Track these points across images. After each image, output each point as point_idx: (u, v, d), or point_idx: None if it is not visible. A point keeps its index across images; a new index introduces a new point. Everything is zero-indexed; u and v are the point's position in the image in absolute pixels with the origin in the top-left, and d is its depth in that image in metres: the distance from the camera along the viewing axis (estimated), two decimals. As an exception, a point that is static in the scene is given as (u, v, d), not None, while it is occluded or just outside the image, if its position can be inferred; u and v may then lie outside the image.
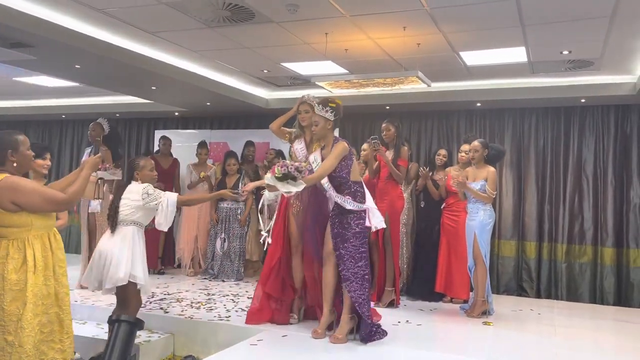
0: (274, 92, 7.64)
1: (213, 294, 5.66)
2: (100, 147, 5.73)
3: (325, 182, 3.90)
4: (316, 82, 5.46)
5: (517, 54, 5.43)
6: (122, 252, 3.55)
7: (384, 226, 4.06)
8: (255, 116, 8.33)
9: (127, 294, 3.62)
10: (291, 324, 4.38)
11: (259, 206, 4.06)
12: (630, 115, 6.67)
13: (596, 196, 6.73)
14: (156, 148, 8.47)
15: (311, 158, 4.08)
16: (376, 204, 5.30)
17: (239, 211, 6.74)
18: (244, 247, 6.77)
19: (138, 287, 3.62)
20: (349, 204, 3.85)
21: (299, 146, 4.44)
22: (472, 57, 5.61)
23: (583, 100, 6.57)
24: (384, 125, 5.34)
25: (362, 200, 3.91)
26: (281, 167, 3.56)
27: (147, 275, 3.67)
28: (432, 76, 5.80)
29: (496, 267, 6.98)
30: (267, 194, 3.72)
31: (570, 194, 6.81)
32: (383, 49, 5.37)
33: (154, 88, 6.81)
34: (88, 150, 6.02)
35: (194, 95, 7.13)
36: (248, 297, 5.56)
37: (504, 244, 7.03)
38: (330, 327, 4.10)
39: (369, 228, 3.92)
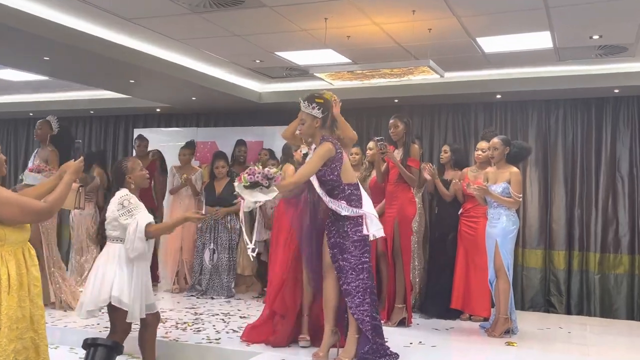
0: (267, 84, 7.65)
1: (201, 314, 5.66)
2: (46, 148, 5.67)
3: (317, 186, 3.90)
4: (315, 74, 5.47)
5: (541, 40, 5.43)
6: (106, 271, 3.55)
7: (383, 234, 4.05)
8: (247, 112, 8.33)
9: (112, 317, 3.64)
10: (303, 347, 4.38)
11: (241, 216, 4.00)
12: (669, 106, 6.68)
13: (633, 198, 6.73)
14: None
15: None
16: (385, 209, 5.34)
17: (228, 218, 6.74)
18: (234, 260, 6.77)
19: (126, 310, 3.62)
20: (344, 210, 3.85)
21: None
22: (490, 44, 5.62)
23: (616, 91, 6.57)
24: (391, 121, 5.36)
25: (358, 204, 3.91)
26: (248, 175, 3.57)
27: (140, 298, 3.61)
28: (445, 65, 5.80)
29: (520, 279, 6.98)
30: (246, 202, 3.68)
31: (603, 197, 6.81)
32: (390, 36, 5.38)
33: (133, 82, 6.82)
34: (35, 152, 5.86)
35: (177, 89, 7.13)
36: (240, 317, 5.57)
37: (529, 254, 7.03)
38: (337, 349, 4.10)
39: (367, 236, 3.90)
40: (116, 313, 3.58)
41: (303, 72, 6.71)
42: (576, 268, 6.85)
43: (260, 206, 6.90)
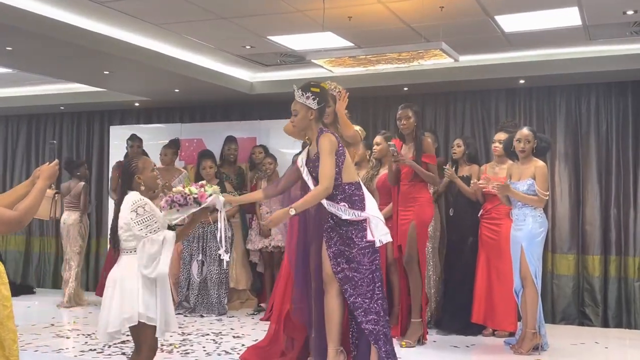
0: (260, 73, 7.65)
1: (189, 334, 5.69)
2: None
3: (313, 186, 3.89)
4: (312, 60, 5.48)
5: (568, 17, 5.43)
6: (125, 287, 3.47)
7: (390, 239, 4.03)
8: (237, 105, 8.33)
9: (137, 336, 3.59)
10: None
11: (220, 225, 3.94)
12: None
13: (676, 195, 6.73)
14: (116, 149, 8.53)
15: (299, 161, 4.09)
16: (398, 211, 5.33)
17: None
18: (226, 272, 6.79)
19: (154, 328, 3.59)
20: (345, 213, 3.84)
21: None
22: (510, 22, 5.62)
23: (656, 73, 6.58)
24: (400, 112, 5.35)
25: (361, 206, 3.89)
26: (166, 204, 3.57)
27: (168, 312, 3.60)
28: (460, 48, 5.80)
29: (550, 288, 6.98)
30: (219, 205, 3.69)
31: (642, 193, 6.82)
32: (397, 15, 5.38)
33: (107, 73, 6.84)
34: None
35: (158, 80, 7.12)
36: (234, 336, 5.60)
37: (560, 260, 7.03)
38: None
39: (373, 242, 3.88)
40: (142, 331, 3.54)
41: (299, 59, 6.72)
42: (613, 275, 6.84)
43: (255, 212, 7.04)
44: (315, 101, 3.92)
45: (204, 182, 3.77)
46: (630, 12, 5.31)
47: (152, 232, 3.45)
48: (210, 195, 3.63)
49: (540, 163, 5.14)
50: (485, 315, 5.86)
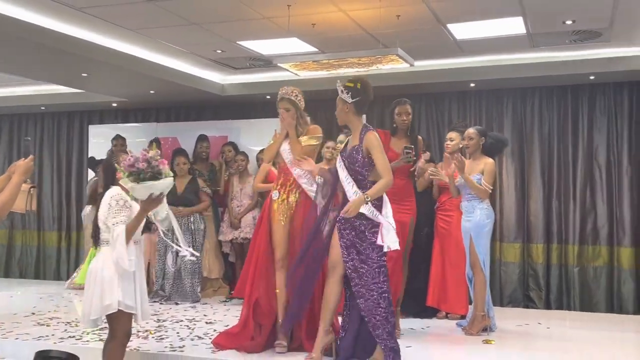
0: (230, 75, 7.62)
1: (164, 320, 5.63)
2: None
3: (344, 175, 3.96)
4: (279, 64, 5.46)
5: (514, 25, 5.51)
6: (104, 277, 3.45)
7: (398, 247, 3.97)
8: (209, 105, 8.29)
9: (113, 322, 3.55)
10: (279, 352, 4.35)
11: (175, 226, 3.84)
12: (645, 92, 6.83)
13: (610, 188, 6.87)
14: (95, 147, 8.40)
15: (296, 171, 4.26)
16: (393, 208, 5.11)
17: (192, 219, 6.71)
18: (200, 263, 6.74)
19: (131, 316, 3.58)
20: (365, 208, 3.85)
21: (285, 146, 4.52)
22: (462, 30, 5.67)
23: (592, 77, 6.70)
24: (400, 107, 4.97)
25: (379, 205, 3.92)
26: (127, 166, 3.37)
27: (142, 300, 3.61)
28: (415, 54, 5.84)
29: (498, 275, 7.08)
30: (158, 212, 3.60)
31: (581, 187, 6.95)
32: (357, 23, 5.39)
33: (86, 75, 6.72)
34: None
35: (134, 82, 7.06)
36: (206, 322, 5.56)
37: (507, 248, 7.13)
38: (329, 353, 4.11)
39: (381, 247, 3.88)
40: (119, 318, 3.51)
41: (267, 62, 6.69)
42: (555, 262, 6.98)
43: (227, 205, 7.00)
44: (349, 95, 3.97)
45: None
46: (569, 22, 5.40)
47: (115, 224, 3.42)
48: (165, 177, 3.47)
49: (490, 160, 5.18)
50: (439, 299, 5.91)
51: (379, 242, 3.87)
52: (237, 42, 6.05)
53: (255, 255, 4.58)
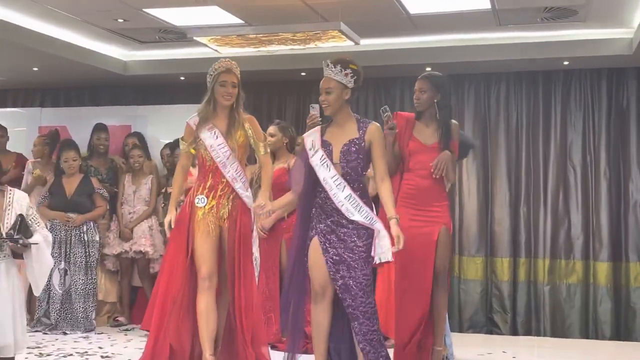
0: (135, 51, 7.52)
1: (48, 354, 5.51)
2: None
3: (332, 176, 3.96)
4: (195, 38, 5.37)
5: (477, 0, 5.58)
6: None
7: (391, 259, 3.96)
8: (109, 87, 8.15)
9: None
10: None
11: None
12: (626, 81, 7.07)
13: (586, 192, 7.09)
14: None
15: (307, 143, 4.06)
16: (410, 213, 4.60)
17: (84, 228, 6.53)
18: (94, 283, 6.59)
19: None
20: (360, 212, 3.91)
21: (213, 141, 4.38)
22: (416, 3, 5.72)
23: (566, 63, 6.90)
24: (417, 82, 4.69)
25: (368, 201, 4.01)
26: None
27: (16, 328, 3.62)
28: (361, 30, 5.86)
29: (457, 295, 7.18)
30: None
31: (553, 191, 7.14)
32: (291, -10, 5.37)
33: (-51, 46, 6.49)
34: None
35: (13, 56, 6.94)
36: (102, 356, 5.47)
37: (467, 263, 7.25)
38: None
39: (372, 259, 3.93)
40: None
41: (181, 36, 6.61)
42: (522, 278, 7.14)
43: (116, 211, 6.84)
44: (353, 79, 4.01)
45: None
46: (541, -3, 5.54)
47: None
48: None
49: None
50: (386, 325, 5.91)
51: (371, 252, 3.92)
52: (144, 9, 5.95)
53: (166, 276, 4.43)
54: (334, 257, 3.94)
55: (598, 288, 6.94)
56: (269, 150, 4.65)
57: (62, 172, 6.59)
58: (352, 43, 5.37)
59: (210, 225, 4.36)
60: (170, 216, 4.44)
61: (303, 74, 7.38)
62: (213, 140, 4.39)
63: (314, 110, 4.64)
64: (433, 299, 4.60)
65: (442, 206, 4.62)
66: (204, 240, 4.36)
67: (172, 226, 4.42)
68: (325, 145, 4.04)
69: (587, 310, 6.98)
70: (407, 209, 4.53)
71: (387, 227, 3.96)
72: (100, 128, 7.22)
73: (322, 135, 4.08)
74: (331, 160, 3.99)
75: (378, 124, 4.09)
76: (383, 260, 3.94)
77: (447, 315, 5.22)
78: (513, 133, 7.28)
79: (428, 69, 7.13)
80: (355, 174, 4.00)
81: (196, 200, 4.39)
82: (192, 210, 4.40)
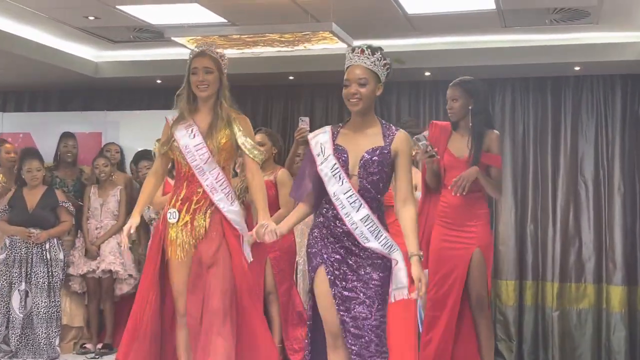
0: (107, 51, 7.52)
1: (7, 385, 5.46)
2: None
3: (345, 192, 3.48)
4: (173, 38, 5.38)
5: (481, 0, 5.64)
6: None
7: (406, 297, 3.53)
8: (78, 90, 8.16)
9: None
10: None
11: None
12: (641, 88, 7.14)
13: (599, 209, 7.13)
14: None
15: (314, 147, 3.58)
16: (443, 232, 4.64)
17: (47, 246, 6.51)
18: (58, 306, 6.57)
19: None
20: (377, 238, 3.47)
21: (190, 140, 4.02)
22: (414, 2, 5.74)
23: (577, 68, 6.95)
24: (447, 91, 4.74)
25: (386, 226, 3.56)
26: None
27: None
28: (354, 31, 5.88)
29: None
30: None
31: (562, 208, 7.18)
32: (279, -13, 5.40)
33: None
34: None
35: (-29, 56, 6.87)
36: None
37: (469, 286, 7.26)
38: None
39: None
40: None
41: (157, 35, 6.60)
42: (529, 303, 7.16)
43: (82, 226, 6.80)
44: (388, 72, 3.61)
45: None
46: (550, -2, 5.58)
47: None
48: None
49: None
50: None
51: (391, 287, 3.51)
52: (117, 6, 5.93)
53: (140, 304, 4.16)
54: (344, 292, 3.49)
55: (611, 314, 6.97)
56: (264, 157, 4.30)
57: (23, 184, 6.57)
58: (345, 45, 5.39)
59: (183, 248, 4.00)
60: (132, 222, 4.08)
61: (291, 78, 7.41)
62: (189, 140, 4.01)
63: (304, 124, 4.65)
64: (475, 328, 4.61)
65: (478, 225, 4.58)
66: (177, 270, 4.02)
67: (132, 232, 4.09)
68: (339, 152, 3.54)
69: (599, 338, 7.00)
70: (442, 229, 4.59)
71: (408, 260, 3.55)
72: (67, 136, 7.21)
73: (334, 137, 3.60)
74: (346, 171, 3.50)
75: (407, 133, 3.65)
76: (398, 299, 3.53)
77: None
78: (519, 144, 7.31)
79: (427, 73, 7.21)
80: (375, 191, 3.53)
81: (168, 215, 4.05)
82: (166, 228, 4.07)
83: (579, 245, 7.13)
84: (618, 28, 6.38)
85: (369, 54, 3.53)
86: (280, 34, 5.21)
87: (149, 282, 4.11)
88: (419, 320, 5.32)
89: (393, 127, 3.63)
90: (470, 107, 4.61)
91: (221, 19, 6.13)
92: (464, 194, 4.46)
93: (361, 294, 3.47)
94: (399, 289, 3.49)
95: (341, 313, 3.48)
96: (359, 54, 3.54)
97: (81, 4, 5.93)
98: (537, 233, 7.22)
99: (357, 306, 3.47)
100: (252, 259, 4.20)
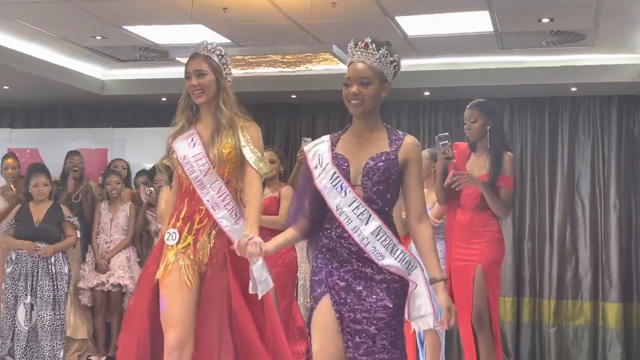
0: (113, 70, 7.57)
1: (12, 397, 5.47)
2: None
3: (350, 203, 2.97)
4: (177, 58, 5.45)
5: (479, 22, 5.69)
6: None
7: (431, 326, 3.03)
8: (85, 107, 8.20)
9: None
10: None
11: None
12: (637, 109, 7.20)
13: (595, 227, 7.17)
14: None
15: (312, 158, 3.11)
16: (452, 247, 4.66)
17: (53, 260, 6.54)
18: (63, 319, 6.59)
19: None
20: (393, 254, 2.96)
21: (189, 150, 3.55)
22: (413, 25, 5.82)
23: (574, 89, 7.01)
24: (465, 111, 4.78)
25: (396, 236, 3.04)
26: None
27: None
28: (355, 51, 5.93)
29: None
30: None
31: (559, 225, 7.22)
32: (281, 10, 5.45)
33: None
34: None
35: (-19, 73, 6.92)
36: (70, 400, 5.44)
37: (468, 302, 7.29)
38: None
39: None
40: None
41: (163, 54, 6.67)
42: (526, 319, 7.19)
43: (91, 241, 6.83)
44: (395, 70, 3.11)
45: None
46: (545, 20, 5.63)
47: None
48: None
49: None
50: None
51: (405, 315, 3.00)
52: (124, 26, 6.01)
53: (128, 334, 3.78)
54: (352, 324, 2.94)
55: (607, 331, 6.99)
56: (270, 171, 3.73)
57: (30, 198, 6.61)
58: (345, 66, 5.44)
59: (184, 273, 3.43)
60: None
61: (293, 96, 7.46)
62: (188, 150, 3.53)
63: (306, 145, 4.63)
64: (477, 346, 4.62)
65: (482, 243, 4.54)
66: (172, 295, 3.41)
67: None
68: (339, 161, 3.04)
69: (595, 354, 7.02)
70: (453, 247, 4.62)
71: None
72: (73, 153, 7.26)
73: (333, 146, 3.10)
74: (348, 181, 3.00)
75: (416, 139, 3.12)
76: (423, 329, 3.07)
77: (444, 355, 5.24)
78: (517, 162, 7.32)
79: (426, 93, 7.27)
80: (381, 202, 3.01)
81: (166, 236, 3.52)
82: (163, 250, 3.54)
83: (576, 263, 7.17)
84: (613, 50, 6.45)
85: (373, 50, 3.08)
86: (282, 55, 5.26)
87: (137, 315, 3.58)
88: (418, 342, 5.37)
89: (400, 132, 3.11)
90: (488, 128, 4.63)
91: (225, 40, 6.21)
92: (458, 188, 4.49)
93: (373, 327, 2.92)
94: (423, 318, 2.99)
95: (349, 351, 2.95)
96: (362, 49, 3.10)
97: (89, 25, 6.00)
98: (535, 250, 7.26)
99: (367, 339, 2.92)
100: (269, 287, 3.28)
